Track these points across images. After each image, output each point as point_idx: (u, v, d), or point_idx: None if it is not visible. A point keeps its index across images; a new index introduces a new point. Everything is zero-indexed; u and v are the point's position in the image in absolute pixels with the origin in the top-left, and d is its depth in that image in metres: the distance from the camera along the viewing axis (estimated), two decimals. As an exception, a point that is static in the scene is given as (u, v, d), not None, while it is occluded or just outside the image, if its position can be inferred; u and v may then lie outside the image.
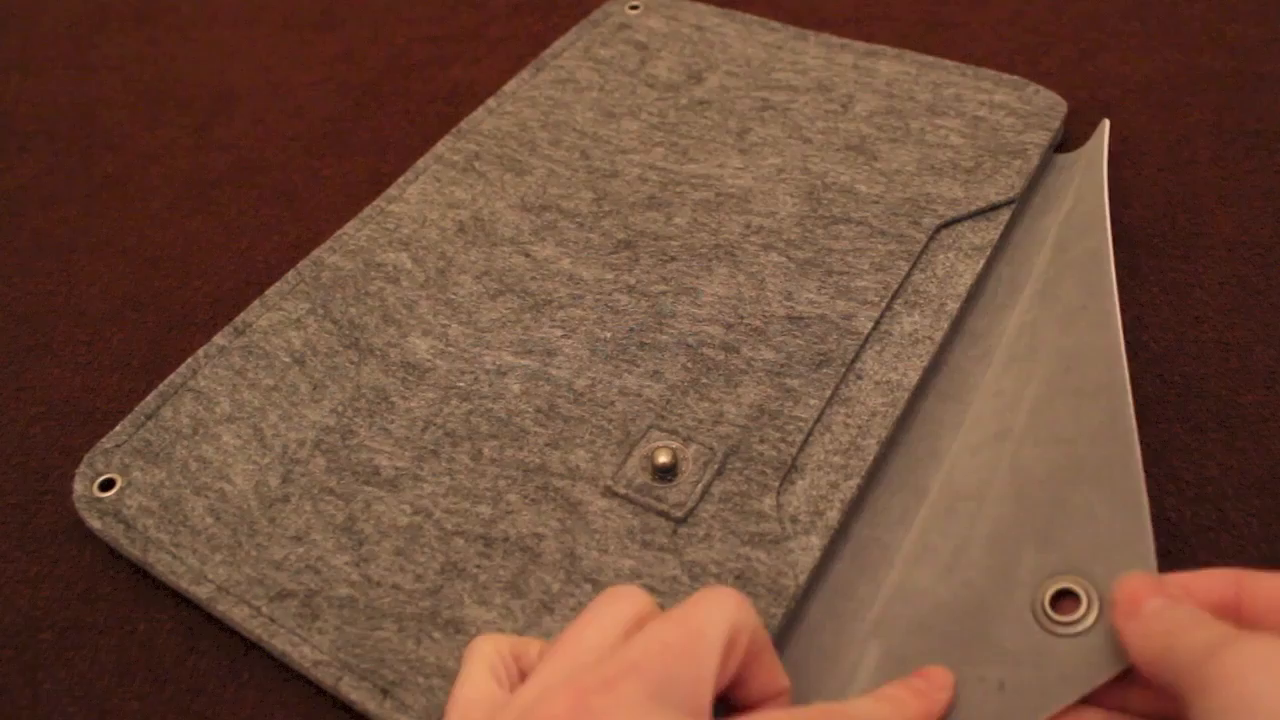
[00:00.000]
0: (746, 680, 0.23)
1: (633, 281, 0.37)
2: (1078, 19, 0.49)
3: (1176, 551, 0.30)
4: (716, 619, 0.22)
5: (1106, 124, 0.40)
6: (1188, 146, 0.42)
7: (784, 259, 0.37)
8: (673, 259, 0.38)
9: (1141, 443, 0.32)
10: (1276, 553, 0.29)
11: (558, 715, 0.20)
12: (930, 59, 0.45)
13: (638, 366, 0.34)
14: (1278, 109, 0.43)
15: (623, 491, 0.31)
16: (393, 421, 0.34)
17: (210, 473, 0.33)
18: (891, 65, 0.45)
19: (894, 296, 0.36)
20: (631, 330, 0.35)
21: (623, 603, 0.23)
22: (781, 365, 0.34)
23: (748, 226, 0.38)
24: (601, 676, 0.20)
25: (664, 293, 0.37)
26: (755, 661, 0.23)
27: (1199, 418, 0.33)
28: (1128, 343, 0.35)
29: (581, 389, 0.34)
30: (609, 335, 0.35)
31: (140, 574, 0.32)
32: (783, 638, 0.28)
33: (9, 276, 0.42)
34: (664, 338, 0.35)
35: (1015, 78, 0.43)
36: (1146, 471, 0.31)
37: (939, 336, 0.34)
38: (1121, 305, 0.36)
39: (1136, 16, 0.49)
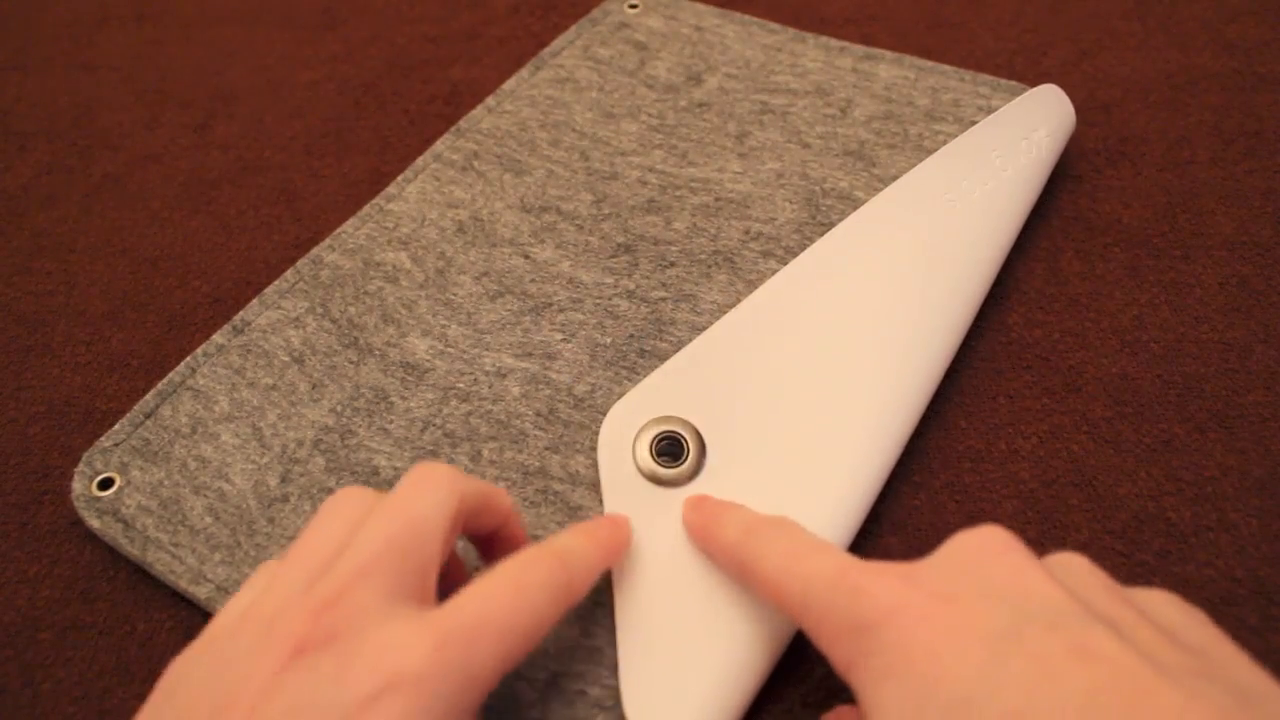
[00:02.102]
0: (486, 540, 0.27)
1: (632, 286, 0.37)
2: (1078, 19, 0.49)
3: (1176, 551, 0.30)
4: (433, 503, 0.23)
5: (1052, 89, 0.40)
6: (1188, 146, 0.42)
7: (783, 266, 0.37)
8: (672, 264, 0.38)
9: (1141, 443, 0.32)
10: (1276, 553, 0.29)
11: (297, 633, 0.20)
12: (929, 64, 0.45)
13: (638, 375, 0.34)
14: (1278, 109, 0.43)
15: (622, 493, 0.31)
16: (392, 421, 0.34)
17: (209, 472, 0.33)
18: (890, 69, 0.45)
19: None
20: (631, 336, 0.35)
21: (344, 505, 0.24)
22: None
23: (747, 233, 0.38)
24: (333, 587, 0.21)
25: (663, 299, 0.36)
26: (479, 520, 0.25)
27: (1199, 418, 0.33)
28: (1128, 343, 0.35)
29: (582, 394, 0.34)
30: (609, 340, 0.35)
31: (139, 573, 0.32)
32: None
33: (9, 276, 0.42)
34: (664, 345, 0.35)
35: (1012, 83, 0.43)
36: (1146, 471, 0.32)
37: None
38: (1121, 305, 0.36)
39: (1136, 16, 0.49)
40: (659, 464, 0.30)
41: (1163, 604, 0.21)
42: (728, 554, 0.25)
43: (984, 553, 0.21)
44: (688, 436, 0.30)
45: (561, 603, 0.23)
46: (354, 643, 0.20)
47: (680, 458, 0.30)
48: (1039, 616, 0.19)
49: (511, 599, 0.22)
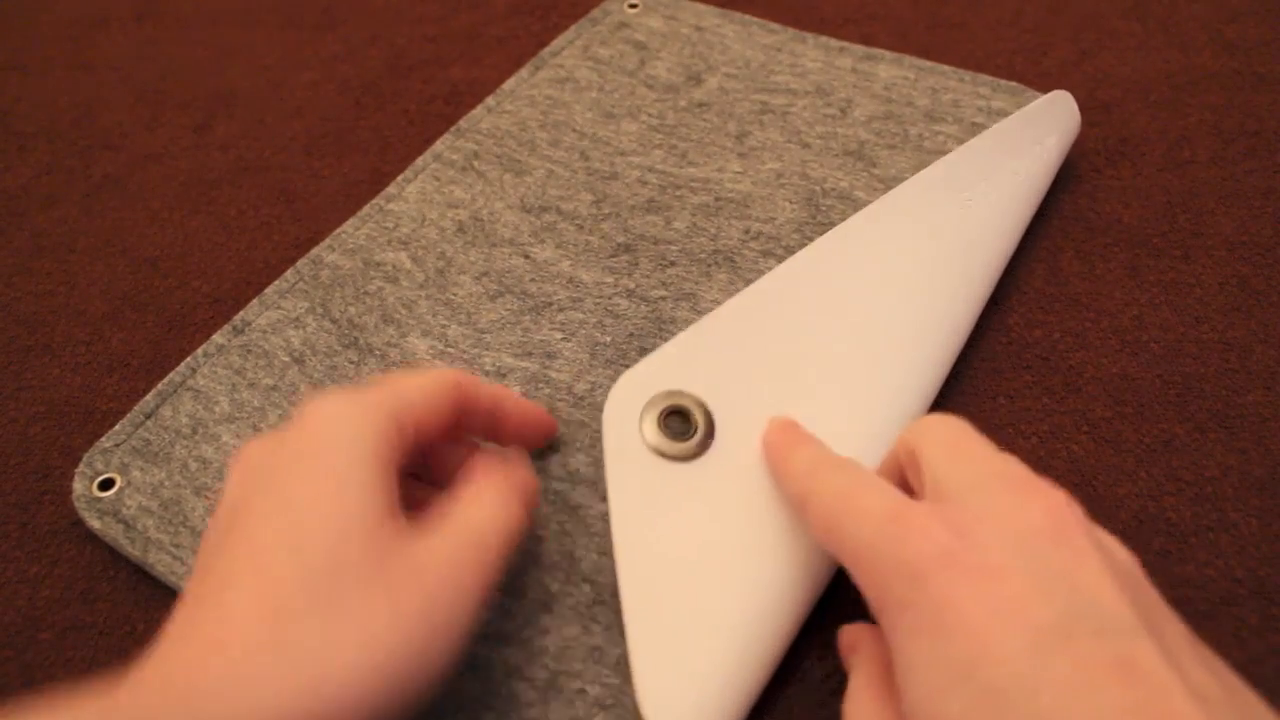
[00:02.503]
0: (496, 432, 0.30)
1: (632, 286, 0.37)
2: (1078, 19, 0.49)
3: (1176, 551, 0.30)
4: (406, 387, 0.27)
5: (1062, 94, 0.40)
6: (1188, 146, 0.42)
7: None
8: (672, 264, 0.38)
9: (1141, 443, 0.32)
10: (1276, 553, 0.29)
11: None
12: (928, 64, 0.45)
13: None
14: (1278, 109, 0.43)
15: (622, 492, 0.31)
16: (392, 422, 0.34)
17: (210, 473, 0.33)
18: (890, 70, 0.45)
19: None
20: (631, 335, 0.35)
21: None
22: None
23: (746, 232, 0.38)
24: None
25: (663, 298, 0.37)
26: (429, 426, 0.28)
27: (1199, 418, 0.33)
28: (1128, 343, 0.35)
29: (581, 393, 0.34)
30: (609, 339, 0.35)
31: (140, 574, 0.32)
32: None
33: (9, 276, 0.42)
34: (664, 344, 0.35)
35: (1012, 84, 0.43)
36: (1146, 471, 0.32)
37: None
38: (1121, 305, 0.36)
39: (1136, 16, 0.49)
40: (666, 437, 0.29)
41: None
42: (792, 485, 0.26)
43: (1046, 530, 0.20)
44: (695, 412, 0.29)
45: (458, 378, 0.27)
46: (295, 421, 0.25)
47: (688, 434, 0.29)
48: (1088, 617, 0.18)
49: (416, 379, 0.26)
